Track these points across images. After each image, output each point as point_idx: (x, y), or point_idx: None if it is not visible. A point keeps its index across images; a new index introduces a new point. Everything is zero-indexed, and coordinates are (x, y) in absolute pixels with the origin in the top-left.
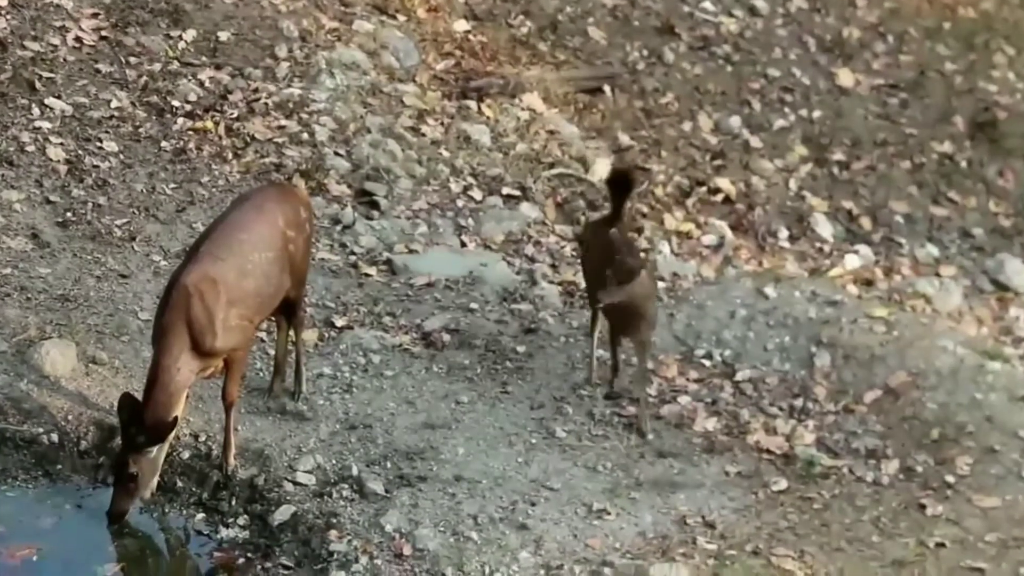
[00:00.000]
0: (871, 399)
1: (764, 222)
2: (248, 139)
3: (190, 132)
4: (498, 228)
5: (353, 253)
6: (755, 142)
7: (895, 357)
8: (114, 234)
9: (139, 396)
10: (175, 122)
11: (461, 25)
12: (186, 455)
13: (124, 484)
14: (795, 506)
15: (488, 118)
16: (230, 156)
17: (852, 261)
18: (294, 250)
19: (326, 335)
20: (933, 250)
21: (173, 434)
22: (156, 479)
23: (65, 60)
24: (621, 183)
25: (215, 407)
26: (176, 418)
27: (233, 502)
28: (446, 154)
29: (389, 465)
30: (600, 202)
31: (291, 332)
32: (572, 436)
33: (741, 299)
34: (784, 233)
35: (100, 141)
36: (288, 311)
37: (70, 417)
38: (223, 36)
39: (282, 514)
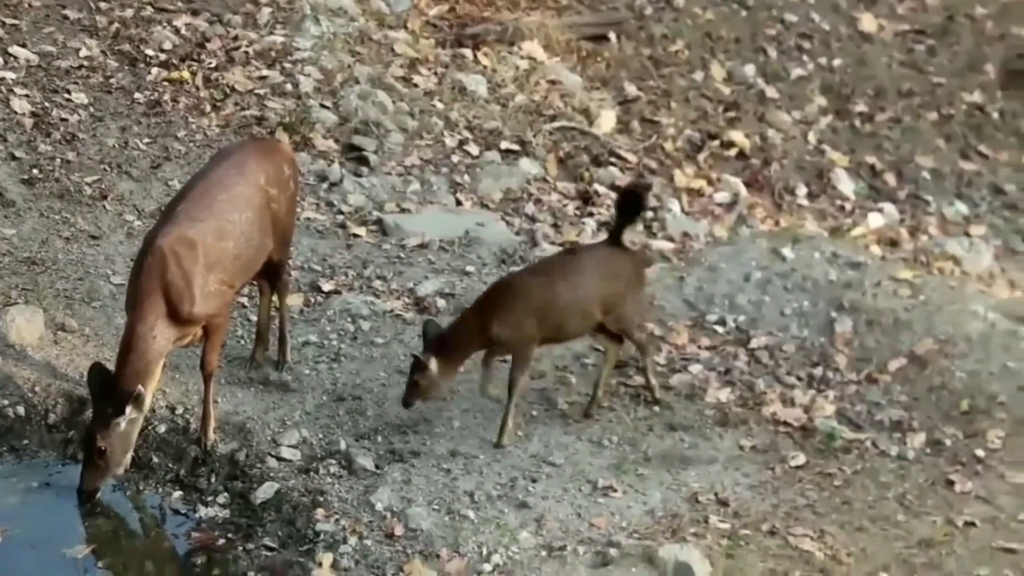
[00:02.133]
0: (896, 368)
1: (781, 178)
2: (227, 90)
3: (165, 83)
4: (496, 185)
5: (341, 212)
6: (771, 92)
7: (921, 323)
8: (84, 192)
9: (111, 366)
10: (149, 72)
11: None
12: (162, 429)
13: (93, 460)
14: (814, 482)
15: (485, 67)
16: (208, 109)
17: (875, 220)
18: (277, 209)
19: (312, 300)
20: (962, 208)
21: (147, 406)
22: (129, 455)
23: (30, 6)
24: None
25: (193, 378)
26: (147, 390)
27: (213, 479)
28: (440, 106)
29: (380, 439)
30: (605, 156)
31: (274, 297)
32: (575, 408)
33: (756, 261)
34: (802, 190)
35: (68, 93)
36: (271, 275)
37: (37, 388)
38: None
39: (265, 492)
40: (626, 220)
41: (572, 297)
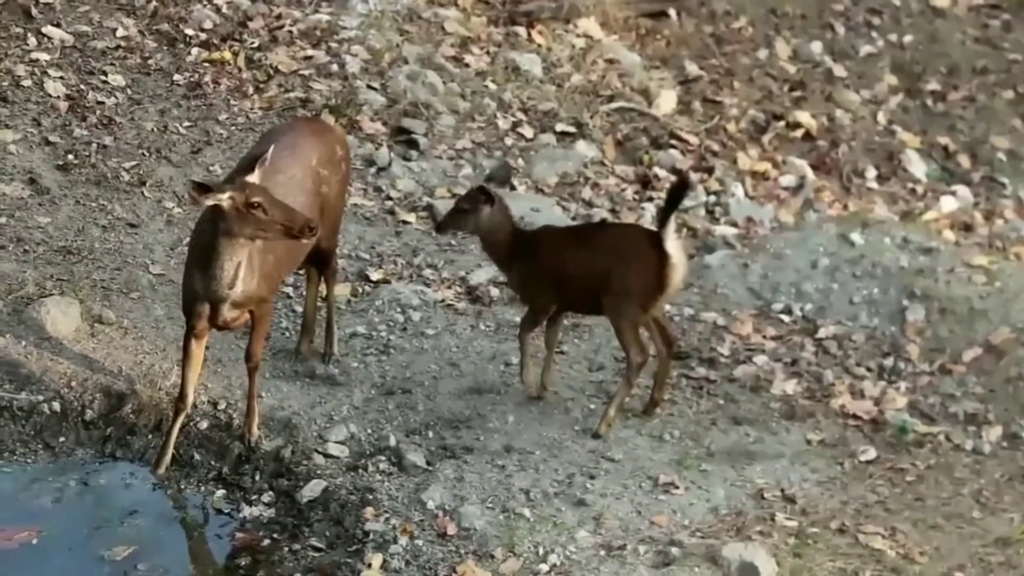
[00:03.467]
0: (970, 358)
1: (849, 160)
2: (271, 71)
3: (205, 64)
4: (551, 169)
5: (389, 198)
6: (839, 71)
7: (997, 311)
8: (121, 178)
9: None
10: (188, 53)
11: None
12: (204, 425)
13: None
14: (885, 478)
15: (539, 46)
16: (250, 91)
17: (948, 203)
18: (327, 192)
19: (360, 290)
20: None
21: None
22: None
23: None
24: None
25: (236, 372)
26: None
27: (257, 477)
28: (492, 87)
29: (431, 435)
30: (665, 138)
31: (322, 286)
32: (635, 401)
33: (824, 247)
34: (872, 172)
35: (105, 74)
36: (319, 262)
37: (73, 383)
38: None
39: (312, 490)
40: (671, 211)
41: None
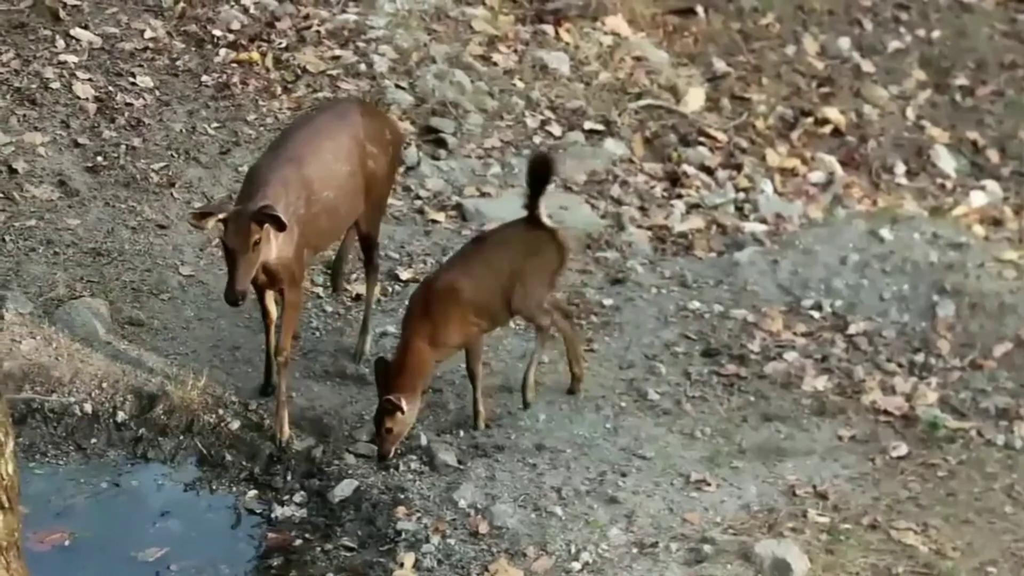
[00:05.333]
0: (1001, 353)
1: (878, 156)
2: (299, 71)
3: (234, 65)
4: (580, 167)
5: (419, 197)
6: (867, 66)
7: None
8: (150, 180)
9: (180, 360)
10: (216, 54)
11: None
12: (235, 425)
13: None
14: (917, 474)
15: (567, 44)
16: (279, 91)
17: (978, 198)
18: (374, 168)
19: (390, 289)
20: None
21: None
22: None
23: None
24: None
25: None
26: None
27: (289, 477)
28: (520, 85)
29: (462, 434)
30: (693, 135)
31: (362, 286)
32: (666, 398)
33: (853, 243)
34: (901, 168)
35: (133, 76)
36: (365, 251)
37: (104, 385)
38: None
39: (343, 490)
40: (538, 193)
41: (494, 283)
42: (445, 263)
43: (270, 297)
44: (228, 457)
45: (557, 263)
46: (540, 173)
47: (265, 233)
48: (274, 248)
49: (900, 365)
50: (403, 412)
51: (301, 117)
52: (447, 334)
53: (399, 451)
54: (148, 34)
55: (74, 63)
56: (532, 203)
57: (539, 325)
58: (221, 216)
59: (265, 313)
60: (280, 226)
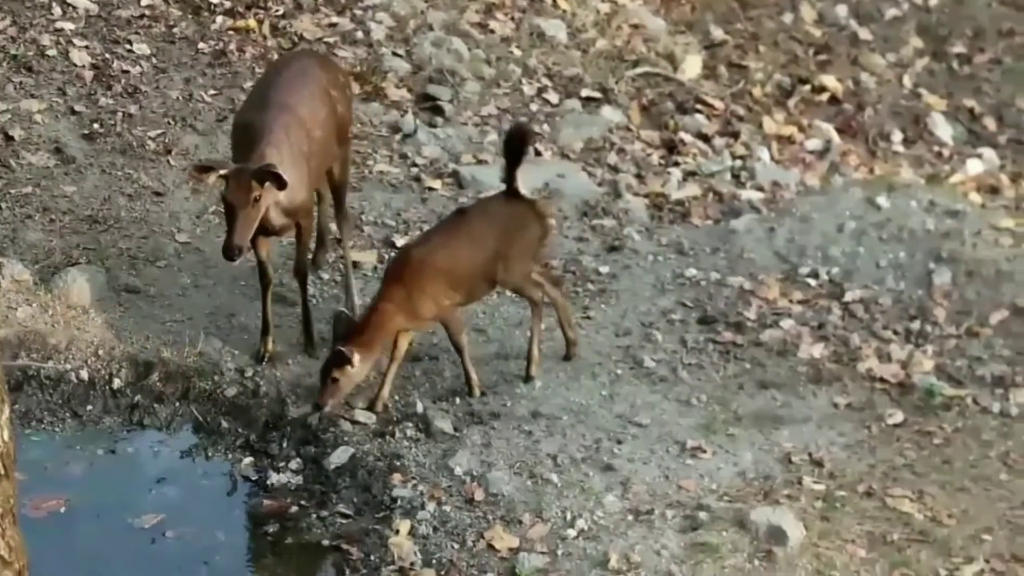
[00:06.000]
0: (997, 320)
1: (875, 124)
2: (295, 39)
3: (230, 32)
4: (577, 135)
5: (415, 165)
6: (864, 34)
7: None
8: (147, 147)
9: (177, 328)
10: (213, 21)
11: None
12: (232, 392)
13: None
14: (913, 441)
15: (564, 11)
16: (275, 58)
17: (974, 166)
18: (342, 112)
19: (386, 257)
20: None
21: None
22: None
23: None
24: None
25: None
26: None
27: (284, 444)
28: (517, 52)
29: (458, 401)
30: (690, 103)
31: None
32: (662, 366)
33: (850, 210)
34: (898, 136)
35: (130, 43)
36: (338, 200)
37: (100, 352)
38: None
39: (339, 457)
40: (515, 165)
41: (475, 258)
42: (425, 233)
43: (268, 258)
44: (224, 424)
45: (539, 234)
46: (516, 145)
47: (266, 190)
48: (285, 193)
49: (896, 333)
50: (352, 366)
51: (268, 72)
52: (419, 305)
53: (395, 418)
54: (145, 1)
55: (71, 30)
56: (510, 176)
57: (530, 298)
58: (222, 172)
59: (263, 275)
60: (281, 184)
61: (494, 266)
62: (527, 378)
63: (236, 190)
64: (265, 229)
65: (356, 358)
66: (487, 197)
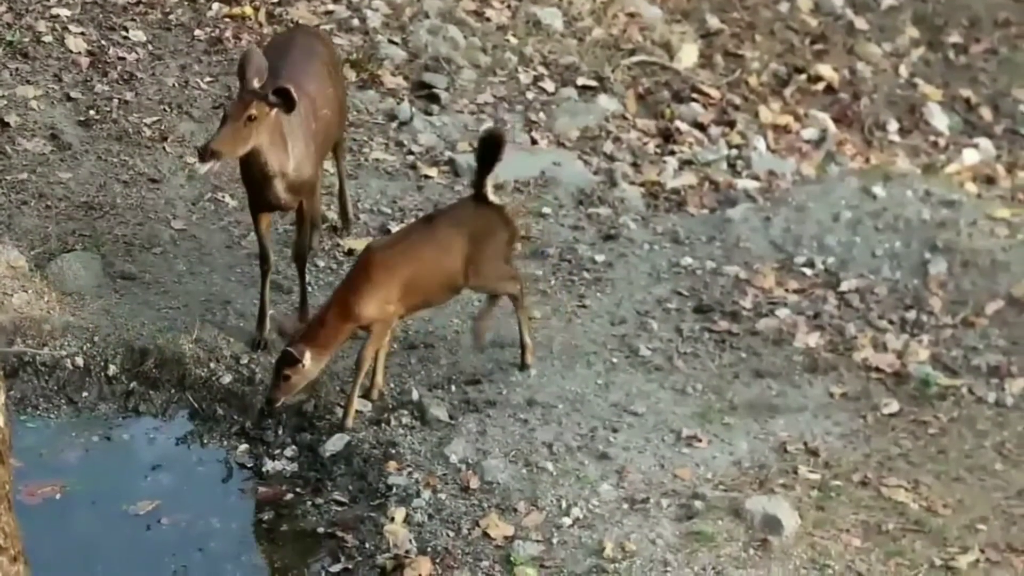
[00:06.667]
0: (993, 310)
1: (871, 113)
2: (291, 26)
3: (227, 19)
4: (573, 123)
5: (411, 153)
6: (860, 23)
7: (1020, 263)
8: (143, 134)
9: (173, 315)
10: (209, 8)
11: None
12: (227, 379)
13: None
14: (908, 431)
15: (560, 0)
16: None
17: (970, 156)
18: (336, 87)
19: None
20: None
21: None
22: None
23: None
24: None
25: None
26: None
27: (280, 431)
28: (513, 41)
29: (453, 389)
30: (686, 92)
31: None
32: (658, 355)
33: (846, 200)
34: (893, 125)
35: (126, 30)
36: (341, 169)
37: (96, 339)
38: None
39: (334, 444)
40: (486, 170)
41: (439, 265)
42: (391, 235)
43: (268, 237)
44: (219, 411)
45: (508, 238)
46: (489, 150)
47: (265, 118)
48: (292, 161)
49: (892, 322)
50: (303, 365)
51: (272, 47)
52: (365, 304)
53: (390, 406)
54: None
55: (67, 17)
56: (480, 180)
57: (508, 294)
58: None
59: (264, 259)
60: (290, 105)
61: (459, 274)
62: (523, 366)
63: (236, 103)
64: (269, 202)
65: (307, 357)
66: (454, 203)
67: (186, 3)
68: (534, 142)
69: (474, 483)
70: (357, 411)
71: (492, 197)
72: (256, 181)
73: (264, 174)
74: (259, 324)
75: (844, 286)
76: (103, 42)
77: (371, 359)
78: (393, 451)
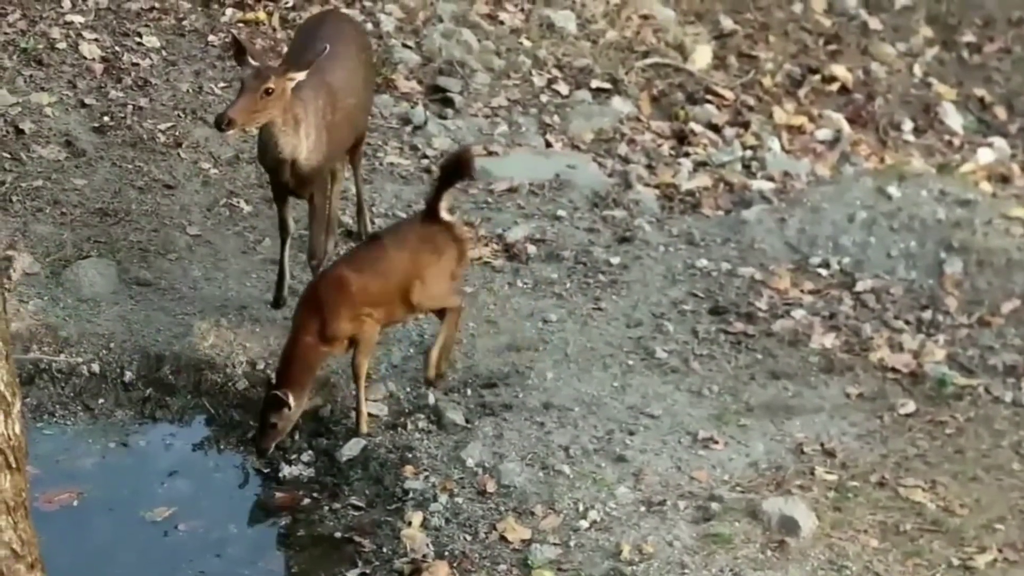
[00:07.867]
0: (1009, 309)
1: (885, 113)
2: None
3: (240, 24)
4: (587, 125)
5: (425, 156)
6: (874, 23)
7: None
8: (157, 140)
9: (188, 321)
10: (223, 13)
11: None
12: (243, 385)
13: None
14: (925, 431)
15: (574, 2)
16: (285, 51)
17: (985, 155)
18: (366, 74)
19: None
20: None
21: None
22: None
23: None
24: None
25: (274, 332)
26: None
27: (296, 436)
28: (527, 44)
29: (470, 392)
30: (700, 93)
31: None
32: (674, 357)
33: (861, 200)
34: (908, 125)
35: (140, 36)
36: (355, 165)
37: (112, 345)
38: None
39: (351, 449)
40: (444, 188)
41: (388, 283)
42: (337, 260)
43: (289, 209)
44: (236, 416)
45: (456, 256)
46: (455, 171)
47: (283, 94)
48: (304, 147)
49: (908, 322)
50: (289, 408)
51: (304, 30)
52: (336, 327)
53: (407, 410)
54: None
55: (80, 23)
56: (435, 197)
57: (451, 308)
58: (255, 63)
59: (283, 226)
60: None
61: (408, 291)
62: (426, 383)
63: (254, 73)
64: (284, 187)
65: (291, 400)
66: (402, 220)
67: (200, 9)
68: (548, 145)
69: (491, 487)
70: (373, 415)
71: (444, 215)
72: (270, 166)
73: (276, 158)
74: (278, 285)
75: (860, 286)
76: (117, 48)
77: (365, 367)
78: (410, 455)
